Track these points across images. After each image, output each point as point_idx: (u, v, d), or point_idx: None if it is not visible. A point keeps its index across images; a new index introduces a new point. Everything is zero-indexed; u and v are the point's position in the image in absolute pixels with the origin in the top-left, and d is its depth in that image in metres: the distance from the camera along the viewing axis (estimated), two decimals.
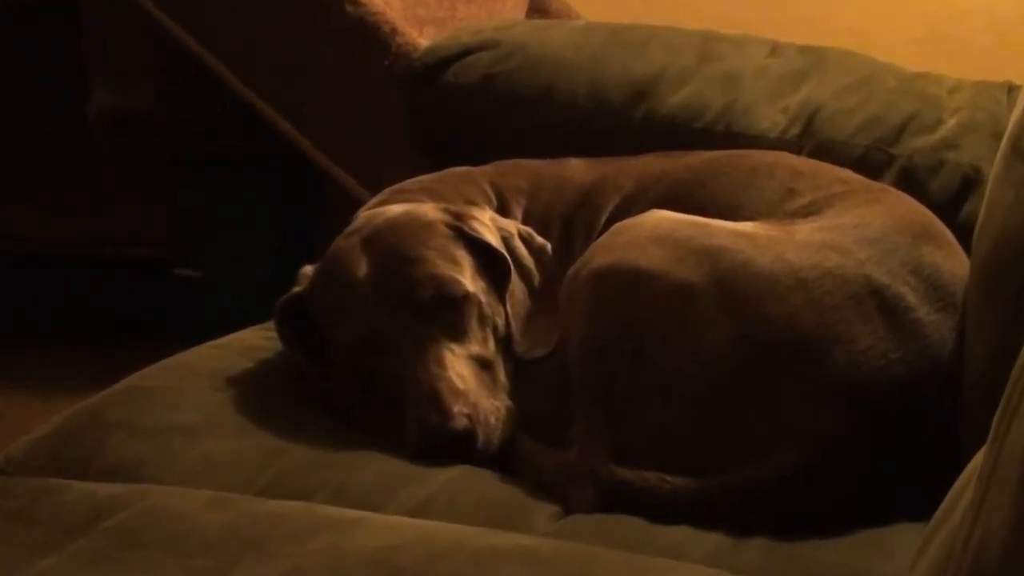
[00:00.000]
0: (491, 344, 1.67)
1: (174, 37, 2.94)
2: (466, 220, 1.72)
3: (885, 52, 2.28)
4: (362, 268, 1.67)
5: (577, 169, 1.92)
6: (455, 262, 1.68)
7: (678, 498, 1.44)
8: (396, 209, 1.76)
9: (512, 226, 1.79)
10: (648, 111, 2.12)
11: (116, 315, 3.68)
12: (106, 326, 3.66)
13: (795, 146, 2.02)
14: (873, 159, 1.99)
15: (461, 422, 1.55)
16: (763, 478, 1.43)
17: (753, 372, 1.45)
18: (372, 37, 2.56)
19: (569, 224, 1.84)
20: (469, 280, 1.67)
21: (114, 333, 3.59)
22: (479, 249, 1.71)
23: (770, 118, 2.06)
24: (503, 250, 1.73)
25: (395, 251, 1.67)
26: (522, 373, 1.69)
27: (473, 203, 1.83)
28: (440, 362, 1.60)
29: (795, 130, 2.04)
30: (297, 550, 1.33)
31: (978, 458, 1.11)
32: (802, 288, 1.47)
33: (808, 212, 1.65)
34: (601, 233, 1.71)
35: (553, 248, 1.79)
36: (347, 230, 1.76)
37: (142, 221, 3.76)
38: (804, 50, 2.21)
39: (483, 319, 1.67)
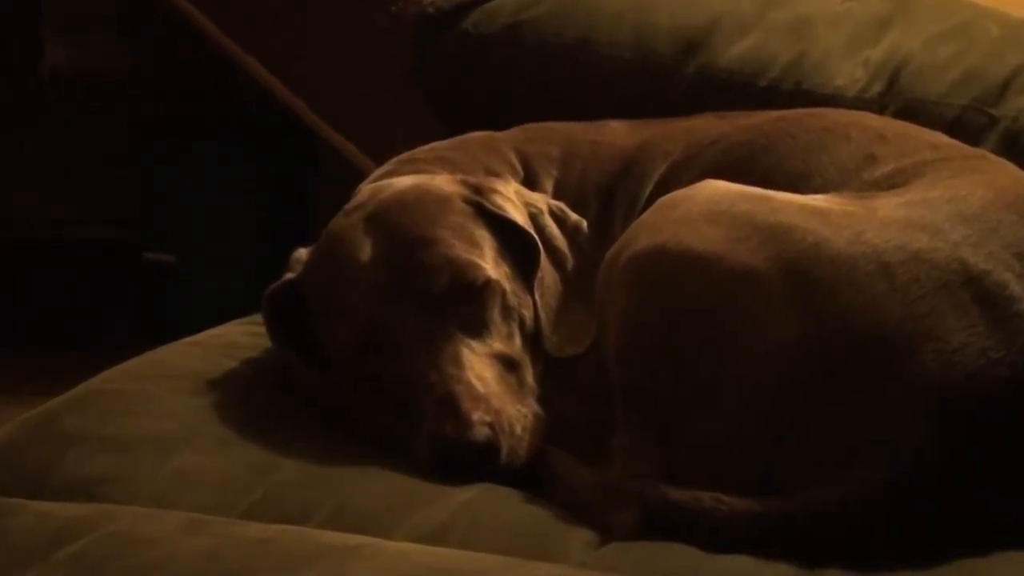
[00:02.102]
0: (517, 340, 1.68)
1: None
2: (487, 194, 1.73)
3: None
4: (365, 251, 1.68)
5: (617, 133, 1.92)
6: (474, 244, 1.69)
7: (738, 522, 1.45)
8: (405, 182, 1.76)
9: (541, 201, 1.80)
10: (703, 66, 2.12)
11: (75, 307, 3.70)
12: (64, 320, 3.68)
13: (877, 106, 2.02)
14: (971, 121, 1.99)
15: (482, 432, 1.56)
16: (838, 499, 1.43)
17: (826, 375, 1.45)
18: None
19: (608, 198, 1.85)
20: (491, 265, 1.68)
21: (73, 328, 3.61)
22: (502, 228, 1.72)
23: (847, 73, 2.06)
24: (531, 229, 1.74)
25: (404, 231, 1.68)
26: (553, 375, 1.70)
27: (495, 174, 1.84)
28: (457, 362, 1.61)
29: (877, 87, 2.04)
30: None
31: None
32: (885, 274, 1.47)
33: (892, 183, 1.65)
34: (645, 208, 1.72)
35: (590, 226, 1.79)
36: (347, 206, 1.77)
37: (105, 198, 3.77)
38: None
39: (507, 311, 1.68)
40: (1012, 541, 1.42)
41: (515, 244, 1.72)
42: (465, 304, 1.65)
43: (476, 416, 1.56)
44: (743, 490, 1.46)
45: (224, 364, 1.79)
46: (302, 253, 1.78)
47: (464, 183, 1.75)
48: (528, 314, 1.70)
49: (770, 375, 1.47)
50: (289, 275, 1.75)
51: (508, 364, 1.65)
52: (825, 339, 1.46)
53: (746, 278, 1.50)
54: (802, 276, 1.48)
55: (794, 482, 1.44)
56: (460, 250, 1.67)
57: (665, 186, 1.76)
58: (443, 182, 1.75)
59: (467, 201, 1.71)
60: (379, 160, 2.00)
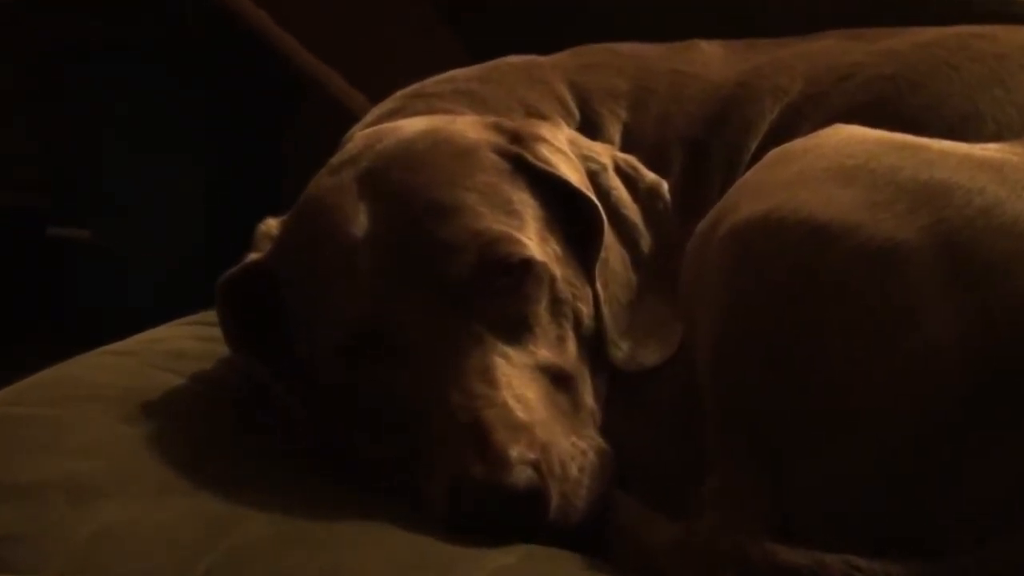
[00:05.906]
0: (571, 346, 1.70)
1: None
2: (528, 143, 1.74)
3: None
4: (359, 222, 1.69)
5: (711, 60, 1.93)
6: (511, 212, 1.70)
7: None
8: (414, 126, 1.78)
9: (605, 154, 1.81)
10: None
11: None
12: None
13: None
14: None
15: (522, 474, 1.57)
16: (1016, 561, 1.43)
17: (998, 388, 1.45)
18: None
19: (699, 151, 1.85)
20: (535, 240, 1.69)
21: None
22: (551, 191, 1.73)
23: None
24: (590, 192, 1.75)
25: (412, 194, 1.69)
26: (622, 394, 1.71)
27: (540, 115, 1.85)
28: (488, 376, 1.62)
29: None
30: None
31: None
32: None
33: None
34: (751, 165, 1.72)
35: (673, 189, 1.80)
36: (334, 160, 1.78)
37: None
38: None
39: (557, 305, 1.69)
40: None
41: (568, 213, 1.73)
42: (499, 295, 1.66)
43: (515, 452, 1.57)
44: (882, 549, 1.47)
45: (165, 380, 1.81)
46: (272, 225, 1.79)
47: (497, 128, 1.75)
48: (587, 310, 1.71)
49: (921, 389, 1.47)
50: (254, 256, 1.77)
51: (559, 379, 1.66)
52: (997, 339, 1.46)
53: (890, 256, 1.50)
54: (966, 253, 1.49)
55: (954, 538, 1.45)
56: (491, 220, 1.68)
57: (779, 136, 1.77)
58: (467, 126, 1.76)
59: (501, 152, 1.72)
60: (376, 96, 2.01)
